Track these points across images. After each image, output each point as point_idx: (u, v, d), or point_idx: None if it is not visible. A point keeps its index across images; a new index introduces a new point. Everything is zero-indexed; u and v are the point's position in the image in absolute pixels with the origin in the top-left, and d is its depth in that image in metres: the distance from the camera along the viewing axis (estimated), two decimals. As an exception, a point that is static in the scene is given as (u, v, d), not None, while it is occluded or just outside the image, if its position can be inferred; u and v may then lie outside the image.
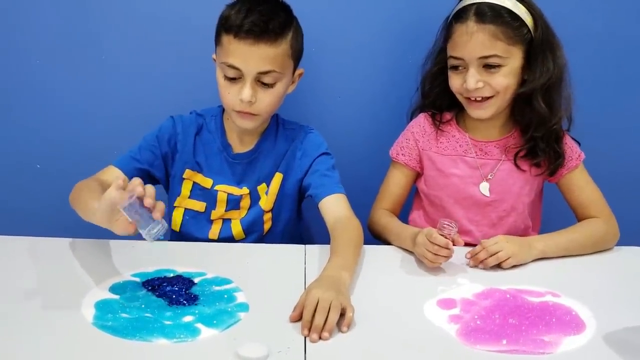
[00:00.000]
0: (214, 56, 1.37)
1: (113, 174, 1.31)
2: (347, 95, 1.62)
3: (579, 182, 1.39)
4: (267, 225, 1.40)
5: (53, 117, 1.61)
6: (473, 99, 1.34)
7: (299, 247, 1.31)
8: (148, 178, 1.38)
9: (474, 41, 1.30)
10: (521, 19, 1.31)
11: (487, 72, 1.32)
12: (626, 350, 0.97)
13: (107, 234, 1.32)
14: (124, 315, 1.03)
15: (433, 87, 1.43)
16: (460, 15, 1.32)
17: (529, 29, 1.32)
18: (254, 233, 1.40)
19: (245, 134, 1.39)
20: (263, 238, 1.40)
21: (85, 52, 1.57)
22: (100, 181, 1.27)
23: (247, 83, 1.28)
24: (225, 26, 1.29)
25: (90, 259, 1.23)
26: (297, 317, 1.01)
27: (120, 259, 1.23)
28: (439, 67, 1.41)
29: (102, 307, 1.05)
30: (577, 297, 1.13)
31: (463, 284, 1.18)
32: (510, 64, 1.32)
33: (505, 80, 1.32)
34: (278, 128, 1.42)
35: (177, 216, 1.40)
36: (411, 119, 1.48)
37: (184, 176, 1.39)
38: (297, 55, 1.35)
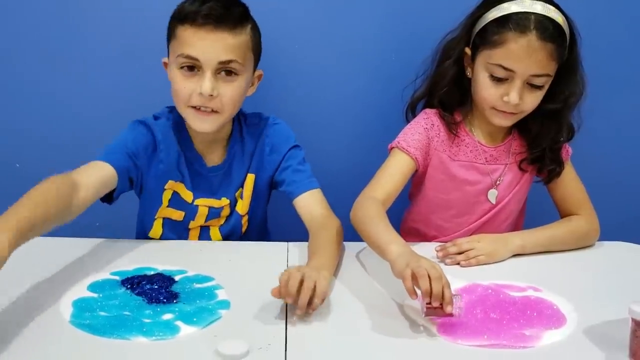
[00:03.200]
0: (164, 60, 1.30)
1: (104, 171, 1.19)
2: (326, 94, 1.61)
3: (565, 177, 1.39)
4: (244, 228, 1.38)
5: (33, 116, 1.59)
6: (509, 112, 1.29)
7: (281, 245, 1.30)
8: (128, 174, 1.25)
9: (534, 58, 1.23)
10: (566, 37, 1.27)
11: (528, 90, 1.27)
12: (606, 344, 0.98)
13: (86, 233, 1.32)
14: (102, 313, 1.02)
15: (444, 84, 1.35)
16: (518, 23, 1.23)
17: (566, 47, 1.28)
18: (232, 236, 1.37)
19: (212, 142, 1.32)
20: (240, 239, 1.38)
21: (67, 50, 1.56)
22: (71, 184, 1.12)
23: (207, 74, 1.19)
24: (179, 17, 1.22)
25: (70, 258, 1.21)
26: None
27: (100, 258, 1.21)
28: (459, 66, 1.34)
29: (80, 305, 1.04)
30: (559, 292, 1.13)
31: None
32: (548, 84, 1.28)
33: (537, 101, 1.29)
34: (242, 127, 1.35)
35: (158, 227, 1.35)
36: (411, 112, 1.42)
37: (165, 187, 1.31)
38: (257, 52, 1.28)
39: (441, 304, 0.98)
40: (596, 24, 1.55)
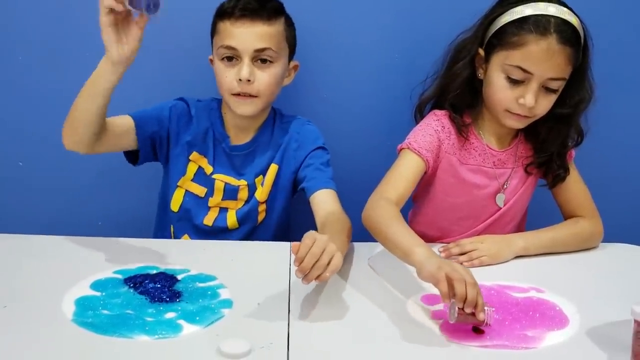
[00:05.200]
0: (210, 57, 1.39)
1: (124, 121, 1.31)
2: (335, 94, 1.61)
3: (569, 179, 1.39)
4: (261, 217, 1.41)
5: (36, 115, 1.59)
6: (523, 115, 1.27)
7: (284, 245, 1.30)
8: (150, 141, 1.36)
9: (553, 61, 1.22)
10: (581, 41, 1.26)
11: (543, 93, 1.25)
12: (609, 345, 0.98)
13: (89, 231, 1.32)
14: (104, 312, 1.02)
15: (456, 85, 1.33)
16: (538, 25, 1.22)
17: (580, 51, 1.27)
18: (247, 223, 1.40)
19: (242, 128, 1.40)
20: (256, 229, 1.41)
21: (69, 49, 1.55)
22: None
23: (245, 61, 1.30)
24: (220, 14, 1.34)
25: (72, 256, 1.21)
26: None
27: (103, 256, 1.21)
28: (471, 69, 1.32)
29: (83, 303, 1.04)
30: (561, 293, 1.13)
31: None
32: (562, 87, 1.27)
33: (550, 105, 1.27)
34: (275, 121, 1.43)
35: (178, 196, 1.40)
36: (419, 113, 1.40)
37: (190, 158, 1.39)
38: (291, 42, 1.38)
39: (472, 312, 0.98)
40: (599, 24, 1.55)
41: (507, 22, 1.27)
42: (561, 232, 1.34)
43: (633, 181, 1.70)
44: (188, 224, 1.40)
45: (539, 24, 1.23)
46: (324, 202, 1.32)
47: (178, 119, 1.38)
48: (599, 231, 1.37)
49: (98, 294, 1.07)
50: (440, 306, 1.08)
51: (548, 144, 1.35)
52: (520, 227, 1.45)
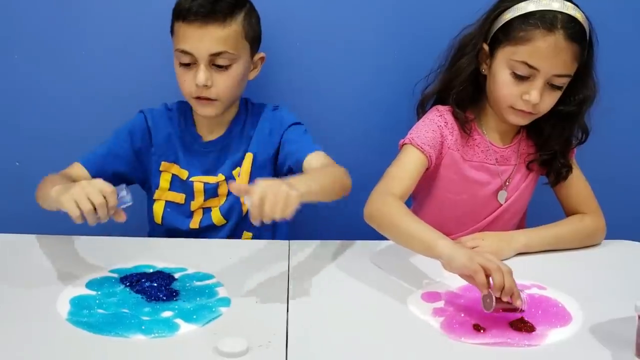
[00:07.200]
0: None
1: (79, 173, 1.31)
2: (329, 92, 1.60)
3: (570, 175, 1.37)
4: (245, 207, 1.38)
5: (32, 114, 1.58)
6: (527, 111, 1.26)
7: (283, 243, 1.29)
8: (115, 178, 1.33)
9: (560, 58, 1.21)
10: (587, 38, 1.25)
11: (548, 90, 1.24)
12: (612, 342, 0.96)
13: (85, 230, 1.31)
14: (100, 311, 1.01)
15: (461, 81, 1.31)
16: (545, 21, 1.21)
17: (586, 48, 1.26)
18: (234, 216, 1.38)
19: (213, 123, 1.38)
20: (244, 220, 1.38)
21: (65, 48, 1.54)
22: (68, 176, 1.28)
23: (201, 66, 1.28)
24: (176, 13, 1.31)
25: (69, 256, 1.20)
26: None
27: (99, 255, 1.20)
28: (476, 64, 1.30)
29: (78, 303, 1.03)
30: (564, 290, 1.12)
31: (448, 277, 1.15)
32: (566, 85, 1.26)
33: (554, 102, 1.26)
34: (247, 112, 1.41)
35: (158, 209, 1.39)
36: (422, 109, 1.39)
37: (160, 169, 1.38)
38: (252, 37, 1.34)
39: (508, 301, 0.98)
40: (598, 20, 1.54)
41: (512, 17, 1.25)
42: (563, 228, 1.33)
43: (635, 177, 1.69)
44: (175, 232, 1.38)
45: (545, 20, 1.22)
46: (315, 163, 1.28)
47: (142, 138, 1.36)
48: (602, 228, 1.36)
49: (93, 293, 1.06)
50: (440, 304, 1.07)
51: (551, 142, 1.34)
52: (520, 225, 1.43)
